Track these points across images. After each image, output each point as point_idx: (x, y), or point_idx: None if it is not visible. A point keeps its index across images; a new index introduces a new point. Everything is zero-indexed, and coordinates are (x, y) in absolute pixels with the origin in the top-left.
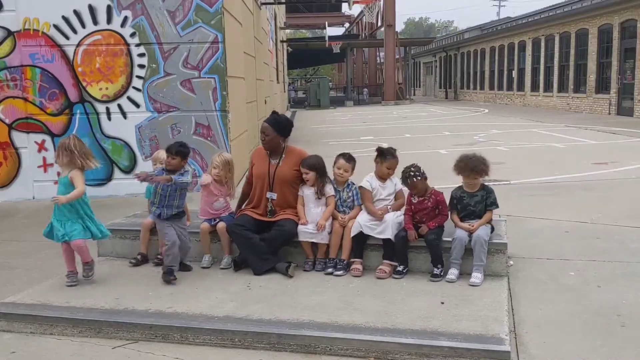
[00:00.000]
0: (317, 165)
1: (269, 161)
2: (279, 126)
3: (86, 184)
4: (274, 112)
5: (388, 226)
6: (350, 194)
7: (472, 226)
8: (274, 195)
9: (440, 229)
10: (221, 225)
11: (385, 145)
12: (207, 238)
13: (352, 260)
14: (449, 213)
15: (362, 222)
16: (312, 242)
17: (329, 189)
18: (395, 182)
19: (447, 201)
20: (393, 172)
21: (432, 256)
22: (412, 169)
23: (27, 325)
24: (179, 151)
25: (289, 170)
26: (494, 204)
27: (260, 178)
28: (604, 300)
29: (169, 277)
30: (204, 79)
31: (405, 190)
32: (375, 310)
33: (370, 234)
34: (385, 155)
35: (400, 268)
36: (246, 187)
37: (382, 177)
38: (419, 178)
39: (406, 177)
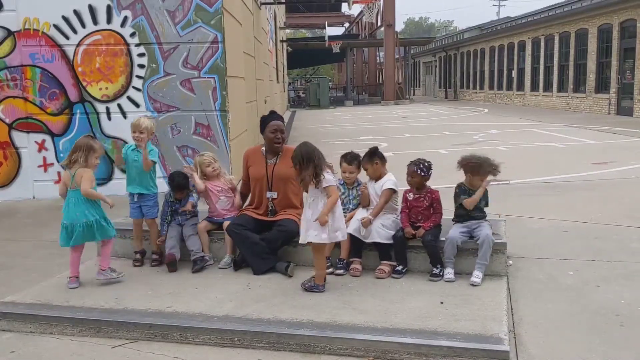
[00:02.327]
0: (312, 156)
1: (265, 162)
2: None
3: None
4: (272, 112)
5: (372, 231)
6: (359, 193)
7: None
8: (275, 194)
9: (437, 229)
10: (226, 224)
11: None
12: (206, 237)
13: (351, 260)
14: (460, 198)
15: (352, 221)
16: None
17: (329, 178)
18: (382, 184)
19: (449, 200)
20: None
21: (430, 257)
22: (424, 162)
23: (26, 325)
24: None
25: (287, 168)
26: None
27: (258, 179)
28: (603, 300)
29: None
30: (204, 78)
31: (401, 191)
32: (374, 310)
33: (354, 234)
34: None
35: (399, 268)
36: (243, 188)
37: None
38: (421, 173)
39: (412, 164)
